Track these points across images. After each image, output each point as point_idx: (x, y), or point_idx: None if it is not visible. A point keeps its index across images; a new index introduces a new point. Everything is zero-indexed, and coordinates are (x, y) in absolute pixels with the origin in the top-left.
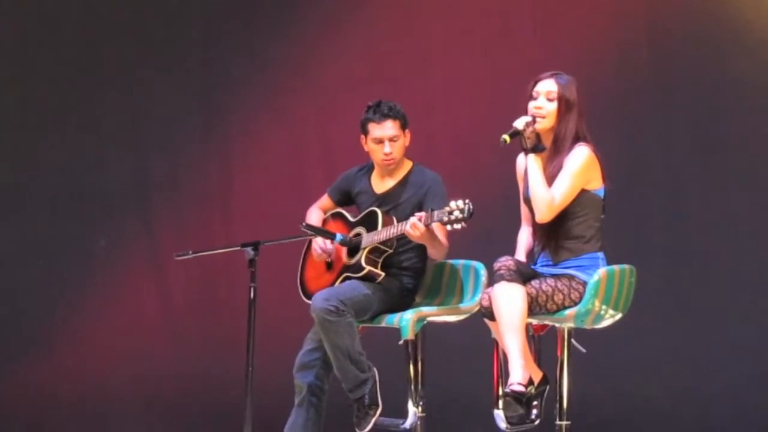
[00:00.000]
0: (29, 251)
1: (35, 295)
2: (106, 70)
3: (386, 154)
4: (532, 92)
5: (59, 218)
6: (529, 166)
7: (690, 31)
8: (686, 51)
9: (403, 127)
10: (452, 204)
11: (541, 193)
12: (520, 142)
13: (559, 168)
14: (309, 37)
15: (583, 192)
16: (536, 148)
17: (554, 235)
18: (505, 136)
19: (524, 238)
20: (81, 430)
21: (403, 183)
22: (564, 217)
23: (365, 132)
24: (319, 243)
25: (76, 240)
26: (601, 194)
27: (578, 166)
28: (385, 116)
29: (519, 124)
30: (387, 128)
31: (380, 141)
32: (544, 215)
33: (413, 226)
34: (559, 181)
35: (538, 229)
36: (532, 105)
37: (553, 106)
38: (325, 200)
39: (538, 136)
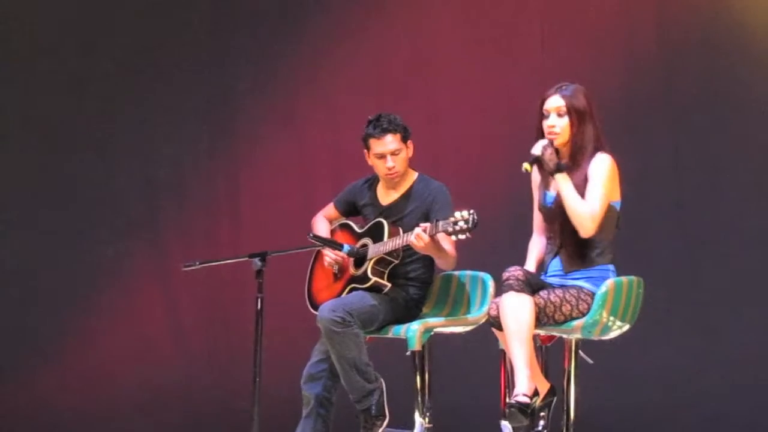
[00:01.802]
0: (37, 261)
1: (43, 305)
2: (113, 78)
3: (389, 169)
4: (542, 111)
5: (67, 228)
6: (561, 186)
7: (700, 40)
8: (696, 61)
9: (405, 139)
10: (457, 214)
11: (580, 208)
12: (542, 167)
13: (583, 177)
14: (317, 46)
15: None
16: (560, 168)
17: (568, 244)
18: (526, 165)
19: (535, 247)
20: None
21: (408, 194)
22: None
23: (367, 147)
24: (333, 252)
25: (83, 250)
26: (618, 207)
27: (606, 173)
28: (385, 131)
29: (536, 150)
30: (388, 143)
31: (382, 156)
32: (588, 229)
33: (417, 237)
34: (591, 191)
35: (552, 238)
36: (545, 124)
37: (564, 121)
38: (330, 210)
39: (558, 154)
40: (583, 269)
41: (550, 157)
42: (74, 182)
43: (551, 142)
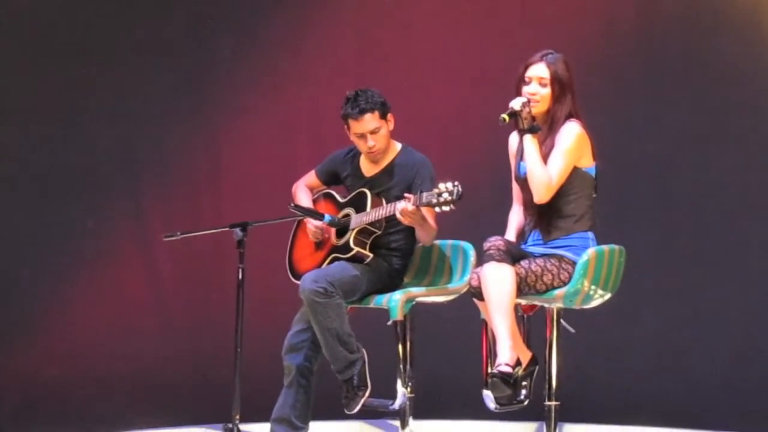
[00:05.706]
0: (17, 233)
1: (23, 277)
2: (94, 51)
3: (370, 148)
4: (524, 77)
5: (47, 200)
6: (526, 146)
7: (678, 9)
8: (674, 29)
9: (383, 115)
10: (441, 186)
11: (539, 173)
12: (516, 123)
13: (552, 147)
14: (297, 15)
15: (575, 170)
16: (533, 129)
17: (546, 213)
18: (504, 116)
19: (515, 217)
20: (69, 411)
21: (391, 166)
22: (556, 196)
23: (347, 125)
24: (314, 222)
25: (63, 221)
26: (593, 172)
27: (570, 143)
28: (363, 111)
29: (516, 104)
30: (366, 123)
31: (362, 136)
32: (542, 196)
33: (404, 212)
34: (552, 160)
35: (530, 208)
36: (525, 90)
37: (546, 91)
38: (312, 178)
39: (533, 116)
40: (564, 237)
41: (526, 116)
42: (54, 152)
43: (529, 102)
